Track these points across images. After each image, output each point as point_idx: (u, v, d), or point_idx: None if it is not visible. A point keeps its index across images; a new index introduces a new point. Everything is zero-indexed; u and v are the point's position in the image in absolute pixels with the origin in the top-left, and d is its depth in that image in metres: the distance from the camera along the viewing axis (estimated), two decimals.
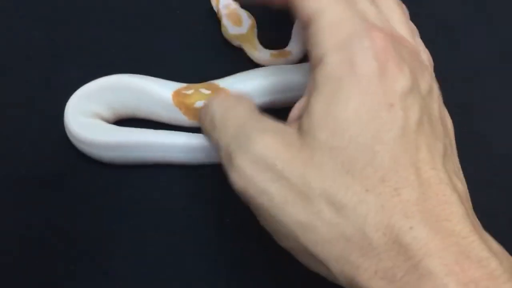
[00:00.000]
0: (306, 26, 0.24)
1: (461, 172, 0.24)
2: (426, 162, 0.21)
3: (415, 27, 0.27)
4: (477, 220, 0.22)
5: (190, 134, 0.30)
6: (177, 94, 0.30)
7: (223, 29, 0.34)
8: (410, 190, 0.20)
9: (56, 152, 0.31)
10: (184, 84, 0.31)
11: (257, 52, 0.33)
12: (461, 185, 0.22)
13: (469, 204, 0.22)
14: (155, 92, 0.30)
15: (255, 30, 0.34)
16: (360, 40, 0.22)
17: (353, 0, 0.24)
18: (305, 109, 0.23)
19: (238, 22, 0.34)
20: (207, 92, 0.30)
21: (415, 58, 0.24)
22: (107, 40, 0.35)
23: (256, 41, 0.34)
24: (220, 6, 0.34)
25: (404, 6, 0.27)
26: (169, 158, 0.30)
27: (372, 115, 0.21)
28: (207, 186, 0.31)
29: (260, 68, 0.32)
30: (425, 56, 0.26)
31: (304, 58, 0.34)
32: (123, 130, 0.30)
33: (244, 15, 0.34)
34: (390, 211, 0.20)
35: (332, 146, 0.21)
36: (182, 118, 0.30)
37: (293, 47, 0.34)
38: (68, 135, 0.30)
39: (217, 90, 0.30)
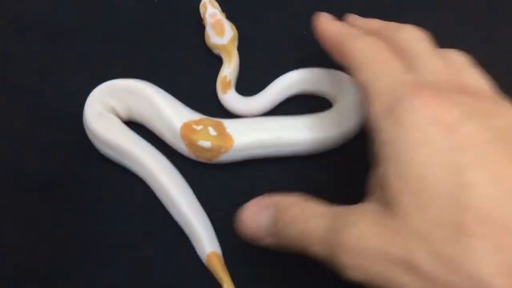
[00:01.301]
0: (364, 95, 0.26)
1: None
2: None
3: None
4: None
5: (180, 184, 0.31)
6: (186, 126, 0.31)
7: (206, 37, 0.36)
8: None
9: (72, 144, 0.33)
10: (197, 116, 0.32)
11: (228, 64, 0.35)
12: None
13: None
14: (168, 117, 0.32)
15: (236, 42, 0.36)
16: (404, 102, 0.23)
17: (413, 60, 0.26)
18: (378, 180, 0.23)
19: (220, 32, 0.35)
20: (214, 134, 0.32)
21: (477, 98, 0.24)
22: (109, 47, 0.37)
23: (234, 53, 0.35)
24: (207, 15, 0.36)
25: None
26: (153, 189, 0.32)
27: (441, 164, 0.21)
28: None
29: (267, 119, 0.34)
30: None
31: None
32: (127, 136, 0.32)
33: (228, 26, 0.35)
34: (503, 251, 0.19)
35: (419, 206, 0.21)
36: (183, 149, 0.32)
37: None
38: (84, 122, 0.33)
39: (223, 133, 0.32)
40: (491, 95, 0.26)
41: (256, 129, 0.32)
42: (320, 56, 0.32)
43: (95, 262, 0.30)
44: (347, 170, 0.32)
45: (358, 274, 0.22)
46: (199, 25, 0.36)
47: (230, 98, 0.34)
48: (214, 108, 0.34)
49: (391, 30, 0.28)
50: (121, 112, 0.33)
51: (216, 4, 0.36)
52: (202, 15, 0.36)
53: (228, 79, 0.34)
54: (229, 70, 0.35)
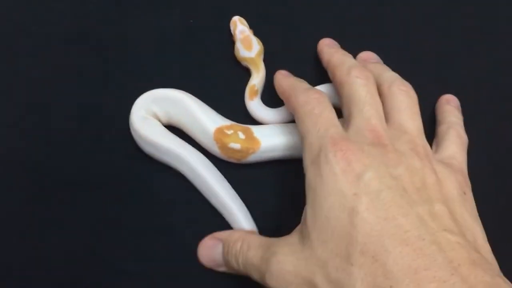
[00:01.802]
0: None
1: (458, 226, 0.28)
2: (399, 226, 0.25)
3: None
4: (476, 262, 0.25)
5: (216, 175, 0.36)
6: (218, 131, 0.36)
7: (235, 51, 0.40)
8: (386, 255, 0.25)
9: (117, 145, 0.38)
10: (228, 122, 0.37)
11: (257, 74, 0.39)
12: (451, 235, 0.26)
13: (465, 249, 0.25)
14: (203, 123, 0.36)
15: (262, 55, 0.40)
16: (325, 154, 0.29)
17: (351, 109, 0.32)
18: (304, 216, 0.29)
19: (249, 47, 0.40)
20: (243, 137, 0.36)
21: (386, 149, 0.29)
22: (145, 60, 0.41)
23: (261, 65, 0.40)
24: (237, 31, 0.40)
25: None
26: (192, 181, 0.37)
27: (342, 208, 0.27)
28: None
29: (291, 125, 0.38)
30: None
31: None
32: (168, 136, 0.37)
33: (255, 41, 0.40)
34: (372, 277, 0.25)
35: (322, 241, 0.27)
36: (216, 151, 0.37)
37: None
38: (130, 124, 0.37)
39: (251, 137, 0.36)
40: (399, 145, 0.30)
41: (280, 133, 0.37)
42: None
43: (146, 251, 0.35)
44: None
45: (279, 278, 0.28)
46: (230, 41, 0.41)
47: (255, 105, 0.39)
48: (242, 115, 0.39)
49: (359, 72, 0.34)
50: (162, 118, 0.38)
51: (245, 22, 0.41)
52: (232, 32, 0.41)
53: (256, 88, 0.39)
54: (258, 79, 0.39)
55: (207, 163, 0.36)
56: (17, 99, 0.40)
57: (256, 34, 0.41)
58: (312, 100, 0.32)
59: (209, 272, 0.34)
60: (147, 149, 0.37)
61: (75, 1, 0.43)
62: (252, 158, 0.36)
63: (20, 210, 0.36)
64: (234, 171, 0.37)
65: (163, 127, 0.38)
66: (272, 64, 0.40)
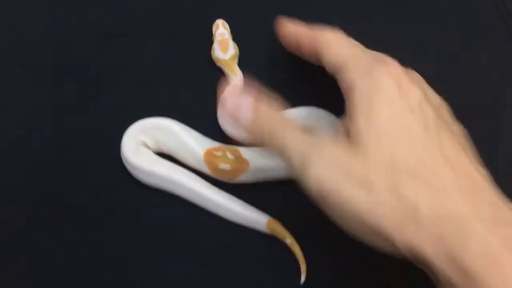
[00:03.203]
0: (336, 72, 0.33)
1: (480, 164, 0.30)
2: (449, 149, 0.28)
3: None
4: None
5: (218, 190, 0.38)
6: (208, 153, 0.38)
7: (212, 50, 0.42)
8: (444, 172, 0.27)
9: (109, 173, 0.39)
10: (215, 144, 0.39)
11: (235, 76, 0.40)
12: (483, 170, 0.29)
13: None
14: (192, 147, 0.38)
15: (236, 59, 0.42)
16: (378, 68, 0.31)
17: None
18: (350, 125, 0.30)
19: (225, 49, 0.41)
20: (232, 157, 0.38)
21: (423, 82, 0.32)
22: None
23: (235, 67, 0.41)
24: (217, 33, 0.41)
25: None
26: (194, 202, 0.38)
27: (400, 119, 0.29)
28: None
29: None
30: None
31: None
32: (162, 163, 0.38)
33: (231, 45, 0.41)
34: (435, 191, 0.27)
35: (377, 146, 0.28)
36: (206, 171, 0.38)
37: None
38: (122, 155, 0.39)
39: (239, 158, 0.38)
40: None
41: (268, 155, 0.38)
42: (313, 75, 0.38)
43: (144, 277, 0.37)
44: None
45: (319, 180, 0.29)
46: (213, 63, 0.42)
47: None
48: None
49: None
50: (151, 146, 0.39)
51: (227, 26, 0.42)
52: (213, 32, 0.42)
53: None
54: (237, 79, 0.40)
55: (204, 182, 0.38)
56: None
57: (234, 39, 0.42)
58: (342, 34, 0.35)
59: None
60: (143, 178, 0.38)
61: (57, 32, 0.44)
62: (242, 178, 0.38)
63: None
64: (225, 190, 0.39)
65: (156, 155, 0.39)
66: (247, 69, 0.41)
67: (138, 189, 0.39)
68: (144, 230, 0.38)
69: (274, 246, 0.37)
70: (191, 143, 0.38)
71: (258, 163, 0.38)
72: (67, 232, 0.38)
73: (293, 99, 0.39)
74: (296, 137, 0.31)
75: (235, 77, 0.40)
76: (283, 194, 0.38)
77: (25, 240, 0.38)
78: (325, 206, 0.30)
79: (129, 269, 0.37)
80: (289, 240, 0.36)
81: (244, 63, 0.42)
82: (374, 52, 0.34)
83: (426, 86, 0.33)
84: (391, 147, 0.28)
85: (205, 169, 0.38)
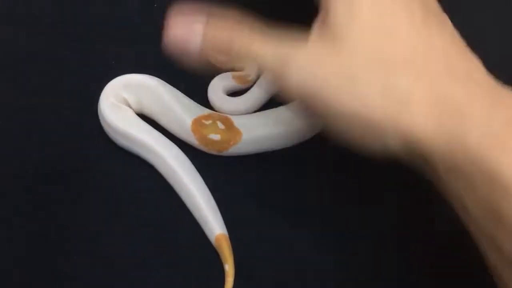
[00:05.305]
0: None
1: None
2: (438, 38, 0.26)
3: None
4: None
5: (195, 176, 0.33)
6: (196, 122, 0.34)
7: None
8: (435, 60, 0.25)
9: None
10: (206, 112, 0.35)
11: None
12: (475, 58, 0.27)
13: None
14: (179, 113, 0.34)
15: None
16: None
17: None
18: (327, 19, 0.27)
19: None
20: (222, 127, 0.34)
21: None
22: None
23: None
24: None
25: None
26: (166, 178, 0.34)
27: (384, 8, 0.26)
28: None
29: (274, 112, 0.36)
30: None
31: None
32: (140, 125, 0.34)
33: None
34: (428, 79, 0.25)
35: (362, 38, 0.26)
36: (194, 142, 0.34)
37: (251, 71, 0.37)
38: (98, 110, 0.35)
39: (231, 127, 0.34)
40: None
41: (263, 124, 0.35)
42: None
43: (108, 243, 0.32)
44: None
45: (302, 80, 0.27)
46: None
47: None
48: None
49: None
50: (133, 106, 0.35)
51: None
52: None
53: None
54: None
55: (181, 157, 0.34)
56: None
57: None
58: None
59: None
60: (118, 139, 0.34)
61: None
62: (233, 150, 0.34)
63: None
64: (214, 163, 0.35)
65: (136, 116, 0.35)
66: None
67: (114, 150, 0.35)
68: (108, 191, 0.34)
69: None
70: (178, 108, 0.34)
71: (252, 134, 0.34)
72: (40, 188, 0.34)
73: None
74: (268, 45, 0.28)
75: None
76: (279, 165, 0.35)
77: None
78: (310, 105, 0.28)
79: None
80: (228, 267, 0.31)
81: None
82: None
83: None
84: (378, 39, 0.26)
85: (192, 139, 0.34)
